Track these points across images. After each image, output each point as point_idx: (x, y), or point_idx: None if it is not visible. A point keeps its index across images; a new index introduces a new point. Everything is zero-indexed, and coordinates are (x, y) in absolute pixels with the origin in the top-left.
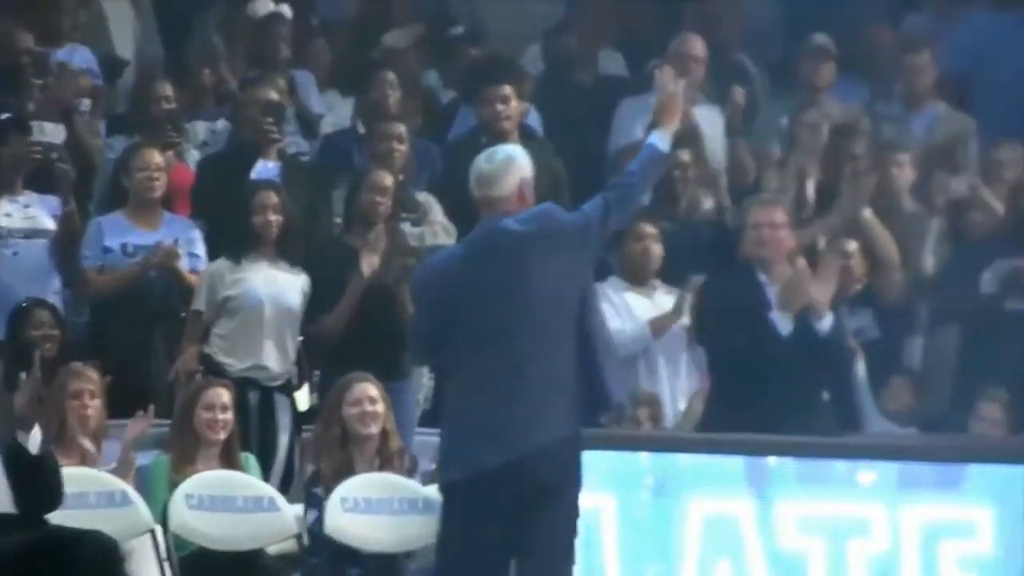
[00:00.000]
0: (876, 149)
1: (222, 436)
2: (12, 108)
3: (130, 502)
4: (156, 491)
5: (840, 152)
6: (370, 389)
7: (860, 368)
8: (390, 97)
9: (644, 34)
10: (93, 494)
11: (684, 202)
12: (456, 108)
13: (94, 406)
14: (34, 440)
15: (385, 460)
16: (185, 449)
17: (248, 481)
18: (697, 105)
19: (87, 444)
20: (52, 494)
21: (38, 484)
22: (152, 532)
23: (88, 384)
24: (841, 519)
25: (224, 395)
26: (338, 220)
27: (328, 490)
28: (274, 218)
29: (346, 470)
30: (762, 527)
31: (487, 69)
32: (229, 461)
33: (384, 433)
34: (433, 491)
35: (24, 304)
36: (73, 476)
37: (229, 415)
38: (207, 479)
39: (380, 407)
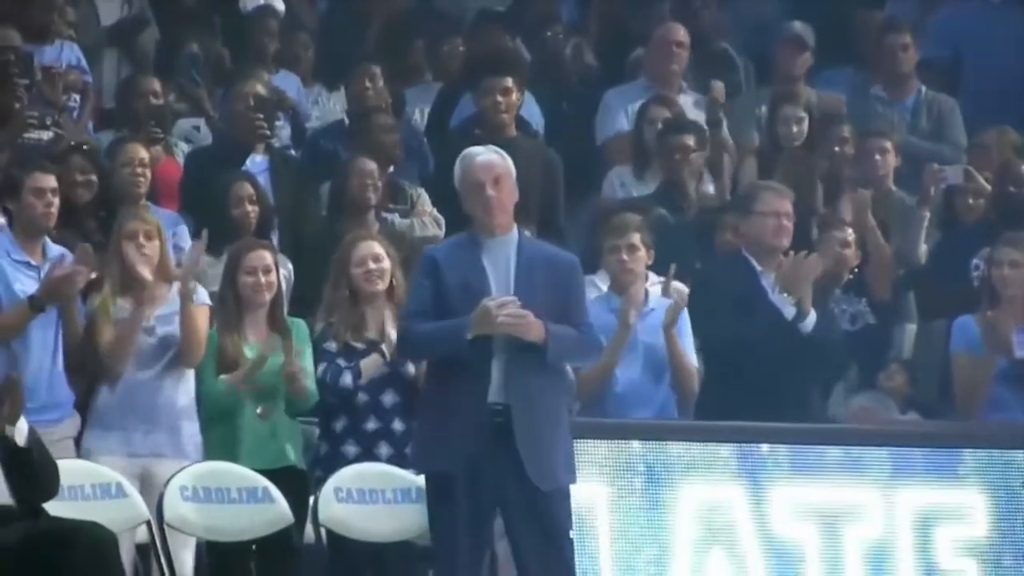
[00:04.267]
0: (861, 136)
1: (267, 297)
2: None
3: (125, 494)
4: (203, 364)
5: (825, 139)
6: (374, 247)
7: None
8: (370, 89)
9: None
10: (89, 486)
11: (692, 189)
12: (453, 98)
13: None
14: (20, 432)
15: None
16: (230, 317)
17: (242, 472)
18: (681, 93)
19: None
20: (45, 484)
21: (29, 475)
22: (148, 523)
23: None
24: (835, 505)
25: (267, 257)
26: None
27: (341, 343)
28: (251, 208)
29: (361, 326)
30: (755, 514)
31: (491, 59)
32: (275, 324)
33: (392, 288)
34: None
35: None
36: (69, 468)
37: (273, 276)
38: (201, 471)
39: (386, 263)
